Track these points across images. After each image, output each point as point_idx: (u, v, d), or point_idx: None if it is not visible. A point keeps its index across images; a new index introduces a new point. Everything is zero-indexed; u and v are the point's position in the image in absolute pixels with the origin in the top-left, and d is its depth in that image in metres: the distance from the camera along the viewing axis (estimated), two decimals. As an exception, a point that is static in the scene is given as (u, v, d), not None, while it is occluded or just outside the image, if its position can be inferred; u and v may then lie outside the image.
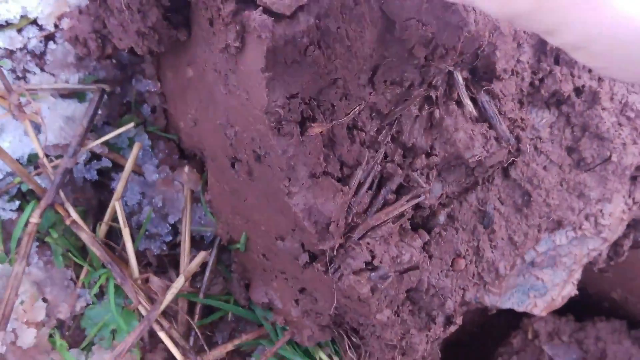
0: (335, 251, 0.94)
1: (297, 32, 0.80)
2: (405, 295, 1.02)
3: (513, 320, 1.79)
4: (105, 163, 1.22)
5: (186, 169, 1.21)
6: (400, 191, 1.00)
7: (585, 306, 1.74)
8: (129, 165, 1.19)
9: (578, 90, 1.11)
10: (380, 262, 0.94)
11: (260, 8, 0.78)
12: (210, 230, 1.25)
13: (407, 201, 0.99)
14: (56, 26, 1.17)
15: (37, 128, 1.17)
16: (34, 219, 1.10)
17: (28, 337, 1.09)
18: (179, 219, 1.23)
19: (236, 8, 0.80)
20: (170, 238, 1.25)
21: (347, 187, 0.93)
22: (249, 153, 0.93)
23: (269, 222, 1.00)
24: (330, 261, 0.95)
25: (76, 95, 1.20)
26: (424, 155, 1.01)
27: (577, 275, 1.25)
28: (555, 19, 0.55)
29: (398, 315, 1.02)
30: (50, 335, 1.14)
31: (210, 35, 0.91)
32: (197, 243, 1.26)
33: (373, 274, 0.94)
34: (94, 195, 1.22)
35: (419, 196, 1.00)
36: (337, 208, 0.90)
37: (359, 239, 0.95)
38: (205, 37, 0.93)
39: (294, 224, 0.94)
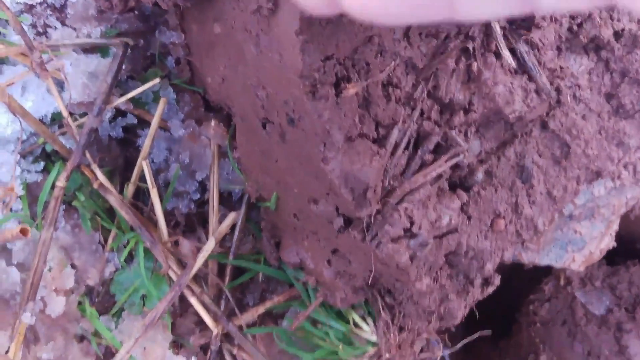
0: (372, 218, 0.90)
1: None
2: (444, 259, 0.99)
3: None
4: (131, 119, 1.19)
5: (213, 123, 1.17)
6: (437, 150, 0.96)
7: (617, 250, 1.71)
8: (155, 122, 1.15)
9: (617, 34, 1.06)
10: (419, 229, 0.91)
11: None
12: (238, 187, 1.22)
13: (446, 161, 0.95)
14: (76, -23, 1.13)
15: (60, 85, 1.14)
16: (61, 183, 1.08)
17: (57, 305, 1.08)
18: (206, 175, 1.20)
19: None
20: (198, 196, 1.22)
21: (384, 149, 0.89)
22: (281, 116, 0.89)
23: (301, 185, 0.97)
24: (367, 228, 0.91)
25: (99, 49, 1.16)
26: (462, 112, 0.96)
27: (615, 226, 1.22)
28: None
29: (436, 281, 0.99)
30: (79, 303, 1.12)
31: (240, -9, 0.86)
32: (226, 200, 1.24)
33: (412, 241, 0.91)
34: (120, 153, 1.19)
35: (458, 155, 0.96)
36: (374, 173, 0.87)
37: (397, 203, 0.91)
38: (234, -7, 0.89)
39: (329, 188, 0.90)
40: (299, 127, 0.86)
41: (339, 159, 0.85)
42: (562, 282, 1.73)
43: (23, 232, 0.98)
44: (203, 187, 1.22)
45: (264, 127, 0.96)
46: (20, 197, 1.12)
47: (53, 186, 1.10)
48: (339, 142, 0.85)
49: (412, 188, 0.91)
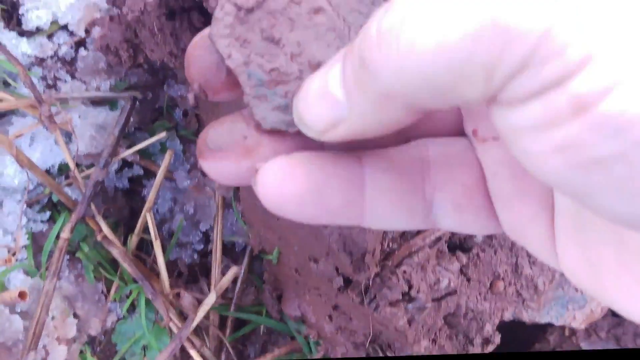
0: (370, 280, 0.91)
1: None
2: (443, 320, 0.99)
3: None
4: (137, 170, 1.20)
5: (217, 175, 1.18)
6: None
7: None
8: (160, 175, 1.16)
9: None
10: (418, 292, 0.91)
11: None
12: (242, 239, 1.23)
13: (446, 225, 0.96)
14: (87, 32, 1.15)
15: (68, 136, 1.15)
16: (65, 234, 1.09)
17: (59, 354, 1.09)
18: (210, 226, 1.21)
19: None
20: (202, 246, 1.23)
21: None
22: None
23: (302, 244, 0.98)
24: (366, 290, 0.92)
25: (107, 102, 1.18)
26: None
27: (618, 284, 1.21)
28: None
29: (435, 342, 0.99)
30: (81, 352, 1.13)
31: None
32: (229, 251, 1.24)
33: (410, 305, 0.91)
34: (125, 204, 1.20)
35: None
36: (372, 238, 0.88)
37: (395, 267, 0.92)
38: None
39: (328, 249, 0.91)
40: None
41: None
42: (567, 332, 1.73)
43: (22, 295, 0.99)
44: (207, 237, 1.23)
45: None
46: (25, 247, 1.13)
47: (58, 236, 1.11)
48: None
49: (411, 251, 0.92)
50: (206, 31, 0.40)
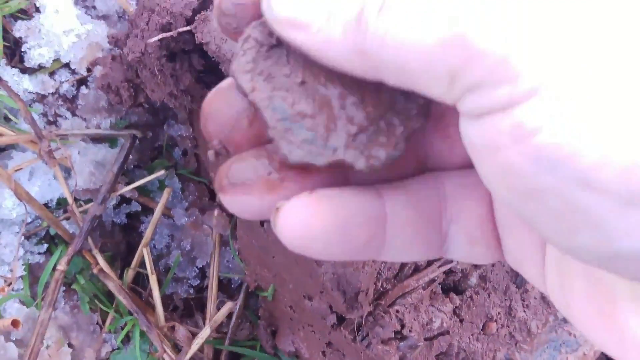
0: (363, 319, 0.92)
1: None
2: (435, 359, 1.00)
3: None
4: (135, 207, 1.22)
5: (216, 212, 1.20)
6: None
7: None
8: (157, 212, 1.18)
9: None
10: (410, 331, 0.92)
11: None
12: (237, 275, 1.24)
13: (439, 267, 0.97)
14: (89, 70, 1.17)
15: (67, 171, 1.17)
16: (61, 266, 1.10)
17: (53, 385, 1.09)
18: (207, 262, 1.23)
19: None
20: (198, 282, 1.24)
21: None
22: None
23: (296, 282, 0.99)
24: (359, 328, 0.93)
25: (107, 139, 1.20)
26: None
27: (610, 327, 1.22)
28: None
29: (427, 382, 1.00)
30: (76, 382, 1.14)
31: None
32: (225, 287, 1.26)
33: (402, 343, 0.92)
34: (122, 238, 1.22)
35: (451, 261, 0.98)
36: (366, 277, 0.89)
37: (389, 306, 0.93)
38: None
39: (323, 288, 0.92)
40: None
41: (332, 262, 0.87)
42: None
43: (14, 324, 1.00)
44: (203, 273, 1.24)
45: (262, 224, 0.99)
46: (21, 277, 1.15)
47: (55, 268, 1.12)
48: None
49: (404, 292, 0.93)
50: (223, 84, 0.41)
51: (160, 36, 0.85)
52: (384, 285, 0.93)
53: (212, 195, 1.25)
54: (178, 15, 0.84)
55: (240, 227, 1.10)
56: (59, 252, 1.14)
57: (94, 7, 1.19)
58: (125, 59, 1.07)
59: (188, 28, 0.83)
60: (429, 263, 0.97)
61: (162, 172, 1.17)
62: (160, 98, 1.03)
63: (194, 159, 1.23)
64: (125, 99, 1.10)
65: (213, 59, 0.91)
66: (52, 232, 1.18)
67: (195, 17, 0.84)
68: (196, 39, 0.82)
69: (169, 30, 0.85)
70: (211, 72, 0.97)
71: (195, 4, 0.84)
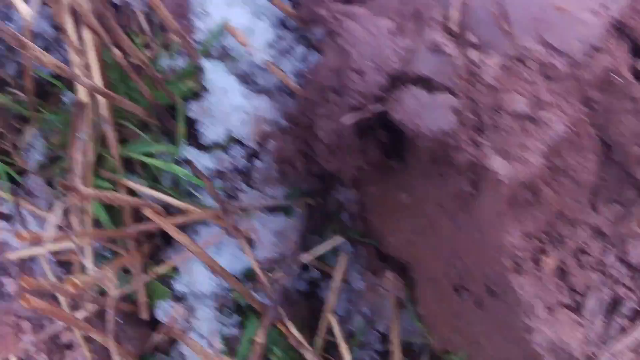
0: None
1: (532, 174, 0.79)
2: None
3: None
4: (314, 273, 1.24)
5: (390, 275, 1.21)
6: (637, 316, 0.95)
7: None
8: (338, 278, 1.20)
9: None
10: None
11: (498, 157, 0.78)
12: (419, 339, 1.23)
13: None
14: (259, 144, 1.21)
15: (250, 243, 1.21)
16: (260, 339, 1.13)
17: None
18: (387, 326, 1.23)
19: (471, 159, 0.80)
20: (380, 347, 1.25)
21: (583, 317, 0.90)
22: (479, 286, 0.92)
23: (498, 349, 0.98)
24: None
25: (282, 209, 1.24)
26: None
27: None
28: None
29: None
30: None
31: (434, 173, 0.91)
32: (406, 351, 1.25)
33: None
34: (306, 306, 1.24)
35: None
36: (577, 343, 0.87)
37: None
38: (426, 172, 0.94)
39: (531, 356, 0.91)
40: (499, 299, 0.89)
41: (542, 329, 0.87)
42: None
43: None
44: (384, 337, 1.25)
45: (456, 291, 0.99)
46: (222, 352, 1.19)
47: (252, 341, 1.16)
48: (541, 313, 0.86)
49: (613, 356, 0.91)
50: None
51: (354, 118, 0.88)
52: (593, 351, 0.91)
53: (382, 257, 1.25)
54: (369, 95, 0.87)
55: (426, 293, 1.10)
56: (252, 323, 1.18)
57: (256, 83, 1.24)
58: (298, 132, 1.11)
59: (382, 108, 0.86)
60: (633, 324, 0.94)
61: (340, 238, 1.19)
62: (337, 168, 1.06)
63: (362, 222, 1.24)
64: (300, 169, 1.13)
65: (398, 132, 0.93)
66: (243, 303, 1.22)
67: (387, 96, 0.87)
68: (390, 117, 0.85)
69: (359, 109, 0.88)
70: (394, 144, 0.98)
71: (384, 83, 0.86)
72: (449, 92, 0.83)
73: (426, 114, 0.83)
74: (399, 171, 1.02)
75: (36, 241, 1.04)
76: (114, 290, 1.14)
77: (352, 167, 1.00)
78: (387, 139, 0.96)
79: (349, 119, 0.89)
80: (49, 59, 0.93)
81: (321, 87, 0.99)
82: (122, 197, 1.09)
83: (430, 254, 1.02)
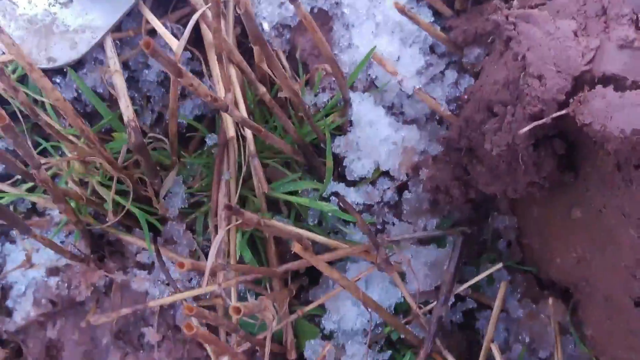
0: None
1: None
2: None
3: None
4: (470, 304, 1.21)
5: (551, 300, 1.17)
6: None
7: None
8: (497, 307, 1.16)
9: None
10: None
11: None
12: (584, 364, 1.19)
13: None
14: (407, 175, 1.20)
15: (401, 276, 1.19)
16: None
17: None
18: (550, 353, 1.19)
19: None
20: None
21: None
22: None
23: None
24: None
25: (434, 240, 1.21)
26: None
27: None
28: None
29: None
30: None
31: (617, 180, 0.87)
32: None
33: None
34: (462, 337, 1.21)
35: None
36: None
37: None
38: (606, 180, 0.90)
39: None
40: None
41: None
42: None
43: None
44: (548, 366, 1.21)
45: (637, 305, 0.95)
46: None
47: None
48: None
49: None
50: None
51: (532, 125, 0.85)
52: None
53: (542, 284, 1.22)
54: (550, 101, 0.85)
55: (597, 312, 1.06)
56: (406, 357, 1.15)
57: (403, 113, 1.23)
58: (453, 157, 1.09)
59: (565, 112, 0.83)
60: None
61: (499, 266, 1.16)
62: (499, 190, 1.03)
63: (519, 248, 1.21)
64: (457, 197, 1.11)
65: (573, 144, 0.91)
66: (394, 337, 1.19)
67: (571, 100, 0.85)
68: (577, 121, 0.82)
69: (540, 117, 0.86)
70: (570, 154, 0.96)
71: (567, 87, 0.84)
72: (641, 89, 0.80)
73: (616, 113, 0.80)
74: (571, 185, 0.99)
75: (197, 269, 1.01)
76: (272, 322, 1.11)
77: (522, 185, 0.97)
78: (564, 149, 0.93)
79: (527, 128, 0.86)
80: (203, 89, 0.93)
81: (488, 102, 0.97)
82: (279, 226, 1.06)
83: (607, 269, 0.98)
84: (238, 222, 0.96)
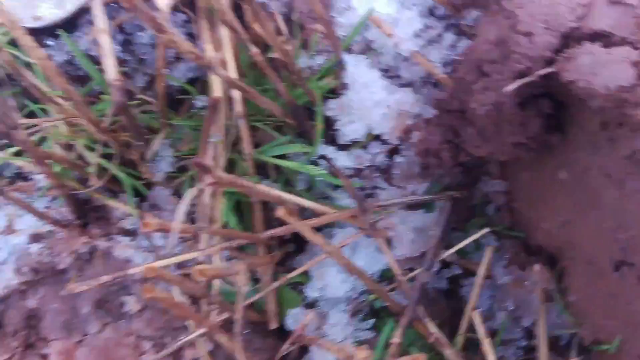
0: None
1: None
2: None
3: None
4: (455, 270, 1.21)
5: (537, 267, 1.16)
6: None
7: None
8: (481, 273, 1.16)
9: None
10: None
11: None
12: (567, 331, 1.18)
13: None
14: (400, 139, 1.19)
15: (387, 242, 1.18)
16: (396, 339, 1.10)
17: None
18: (533, 321, 1.19)
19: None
20: (525, 343, 1.20)
21: None
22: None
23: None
24: None
25: (423, 205, 1.21)
26: None
27: None
28: None
29: None
30: None
31: (602, 139, 0.87)
32: (552, 345, 1.20)
33: None
34: (446, 305, 1.21)
35: None
36: None
37: None
38: (591, 141, 0.90)
39: None
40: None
41: None
42: None
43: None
44: (529, 333, 1.20)
45: (617, 268, 0.95)
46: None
47: (388, 343, 1.12)
48: None
49: None
50: None
51: (518, 82, 0.85)
52: None
53: (530, 250, 1.21)
54: (537, 58, 0.84)
55: (579, 277, 1.06)
56: (389, 326, 1.14)
57: (399, 76, 1.22)
58: (444, 118, 1.08)
59: (551, 69, 0.83)
60: None
61: (486, 230, 1.15)
62: (488, 152, 1.03)
63: (508, 213, 1.21)
64: (447, 160, 1.11)
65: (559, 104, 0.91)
66: (377, 306, 1.19)
67: (557, 57, 0.84)
68: (561, 78, 0.82)
69: (526, 75, 0.85)
70: (555, 116, 0.95)
71: (555, 43, 0.84)
72: (628, 45, 0.80)
73: (602, 70, 0.79)
74: (558, 147, 0.99)
75: (163, 229, 0.99)
76: (244, 287, 1.09)
77: (509, 146, 0.97)
78: (550, 109, 0.93)
79: (513, 85, 0.86)
80: (185, 46, 0.92)
81: (478, 62, 0.97)
82: (258, 188, 1.04)
83: (590, 232, 0.98)
84: (210, 182, 0.94)
